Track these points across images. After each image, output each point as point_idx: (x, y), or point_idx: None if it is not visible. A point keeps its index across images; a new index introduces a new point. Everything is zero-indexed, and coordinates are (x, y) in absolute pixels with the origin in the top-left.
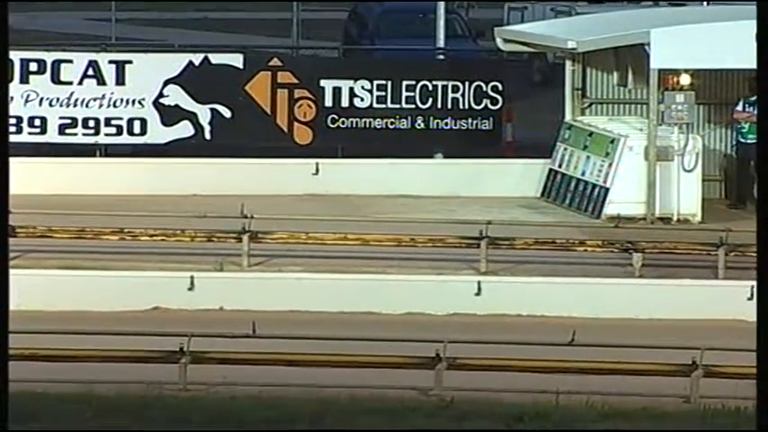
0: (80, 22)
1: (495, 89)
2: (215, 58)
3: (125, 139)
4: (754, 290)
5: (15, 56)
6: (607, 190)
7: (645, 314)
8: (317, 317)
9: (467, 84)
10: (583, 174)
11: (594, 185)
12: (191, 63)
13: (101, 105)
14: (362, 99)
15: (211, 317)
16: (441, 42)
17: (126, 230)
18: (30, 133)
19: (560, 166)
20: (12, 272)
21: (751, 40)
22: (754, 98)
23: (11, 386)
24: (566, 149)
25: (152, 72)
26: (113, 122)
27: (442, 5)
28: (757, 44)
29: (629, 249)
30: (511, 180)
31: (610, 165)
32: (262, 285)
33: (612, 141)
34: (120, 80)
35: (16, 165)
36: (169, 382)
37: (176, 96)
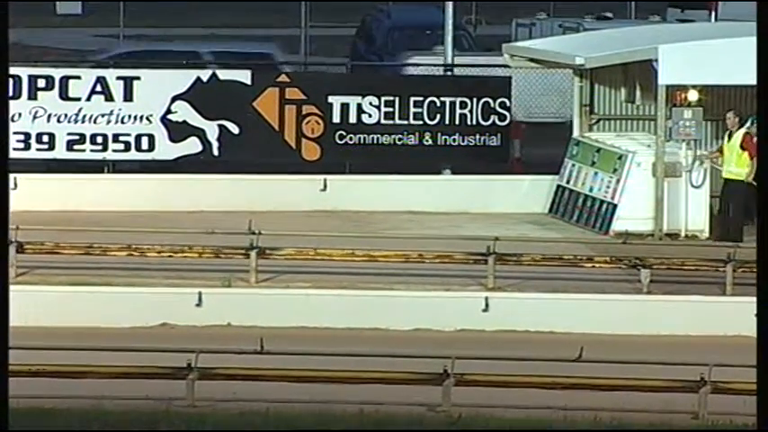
0: (88, 38)
1: (502, 105)
2: (223, 75)
3: (133, 155)
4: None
5: (23, 72)
6: (615, 206)
7: (653, 330)
8: (324, 333)
9: (474, 100)
10: (591, 190)
11: (602, 201)
12: (198, 79)
13: (109, 121)
14: (370, 115)
15: (219, 333)
16: (448, 58)
17: (134, 247)
18: (38, 149)
19: (568, 182)
20: (20, 288)
21: None
22: None
23: (19, 402)
24: (573, 165)
25: (160, 88)
26: (121, 139)
27: (449, 22)
28: (757, 44)
29: (637, 265)
30: (519, 196)
31: (618, 181)
32: (269, 301)
33: (620, 157)
34: (128, 96)
35: (24, 181)
36: (177, 398)
37: (184, 112)
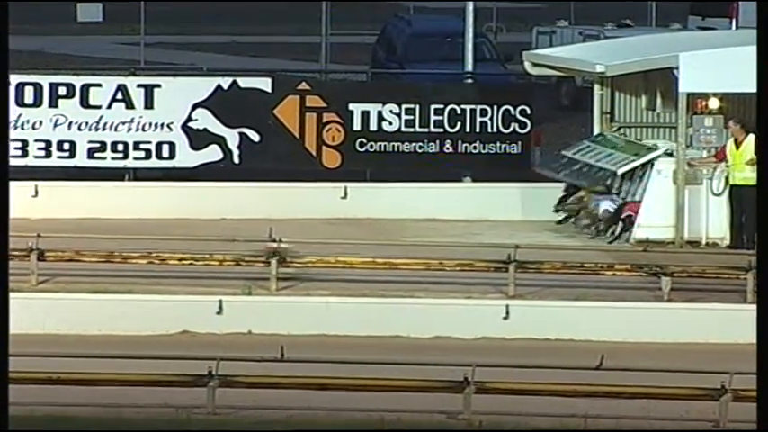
0: (109, 46)
1: (523, 113)
2: (243, 82)
3: (154, 162)
4: None
5: (44, 80)
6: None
7: (673, 338)
8: (345, 341)
9: (495, 107)
10: (597, 161)
11: (602, 170)
12: (219, 87)
13: (129, 129)
14: (391, 123)
15: (240, 341)
16: (469, 66)
17: (154, 254)
18: (59, 157)
19: (575, 154)
20: (40, 295)
21: None
22: None
23: (38, 410)
24: (589, 146)
25: (181, 96)
26: (142, 146)
27: (470, 30)
28: (758, 44)
29: (657, 273)
30: (539, 204)
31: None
32: (290, 309)
33: (649, 149)
34: (149, 104)
35: (45, 189)
36: (197, 406)
37: (205, 120)
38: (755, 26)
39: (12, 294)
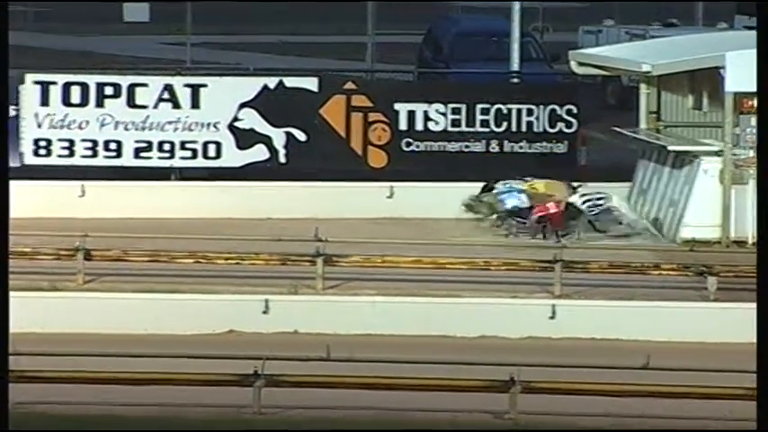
0: (155, 45)
1: (569, 112)
2: (290, 82)
3: (200, 162)
4: None
5: (91, 79)
6: (682, 213)
7: (719, 338)
8: (391, 340)
9: (541, 107)
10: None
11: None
12: (266, 87)
13: (176, 129)
14: (437, 122)
15: (286, 340)
16: (515, 66)
17: (200, 254)
18: (105, 157)
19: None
20: (87, 295)
21: None
22: None
23: (91, 409)
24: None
25: (227, 96)
26: (188, 146)
27: (516, 29)
28: (758, 44)
29: (703, 273)
30: None
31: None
32: (336, 308)
33: (689, 162)
34: (195, 104)
35: (92, 188)
36: (243, 406)
37: (251, 120)
38: None
39: (58, 294)
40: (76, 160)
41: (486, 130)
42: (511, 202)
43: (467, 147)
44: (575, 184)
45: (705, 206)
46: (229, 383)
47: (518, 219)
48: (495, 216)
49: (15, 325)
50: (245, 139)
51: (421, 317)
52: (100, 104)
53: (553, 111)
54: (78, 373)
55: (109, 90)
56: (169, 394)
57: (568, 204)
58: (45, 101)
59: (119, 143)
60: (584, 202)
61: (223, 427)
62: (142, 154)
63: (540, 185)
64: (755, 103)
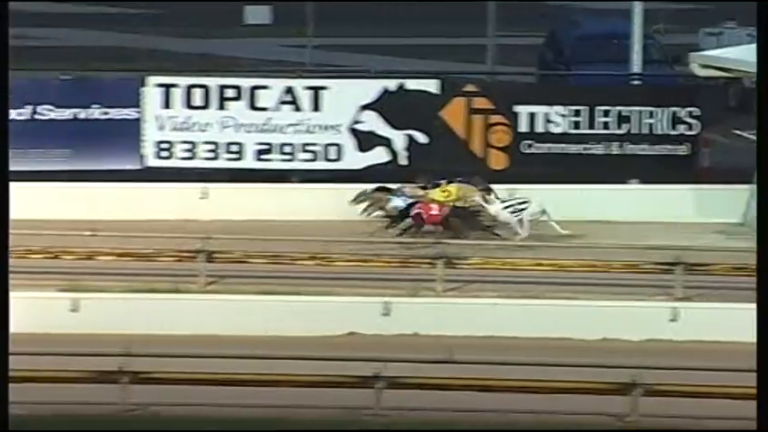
0: (276, 48)
1: (691, 114)
2: (410, 84)
3: (321, 164)
4: None
5: (213, 82)
6: None
7: None
8: (511, 342)
9: (662, 109)
10: None
11: None
12: (386, 89)
13: (297, 131)
14: (557, 125)
15: (406, 342)
16: (636, 68)
17: (321, 256)
18: (227, 159)
19: None
20: (209, 296)
21: None
22: None
23: (205, 410)
24: None
25: (348, 98)
26: (309, 148)
27: (638, 31)
28: (758, 44)
29: None
30: (708, 206)
31: None
32: (456, 311)
33: None
34: (316, 106)
35: (214, 190)
36: (365, 408)
37: (372, 122)
38: None
39: (180, 295)
40: (198, 162)
41: (607, 132)
42: (396, 202)
43: (587, 149)
44: (491, 187)
45: None
46: (350, 385)
47: (399, 218)
48: (383, 214)
49: (137, 327)
50: (366, 141)
51: (542, 319)
52: (221, 107)
53: (674, 113)
54: (197, 375)
55: (230, 92)
56: (288, 395)
57: (457, 207)
58: (167, 103)
59: (240, 145)
60: (505, 208)
61: (344, 429)
62: (263, 156)
63: (453, 189)
64: None
